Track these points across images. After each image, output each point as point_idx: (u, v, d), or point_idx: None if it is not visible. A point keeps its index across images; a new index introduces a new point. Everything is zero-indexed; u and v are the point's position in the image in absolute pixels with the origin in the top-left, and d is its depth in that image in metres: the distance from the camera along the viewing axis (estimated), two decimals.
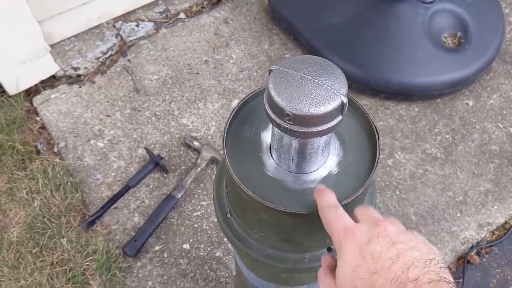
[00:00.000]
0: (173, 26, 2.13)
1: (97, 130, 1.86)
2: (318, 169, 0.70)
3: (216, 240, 1.63)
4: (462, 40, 1.93)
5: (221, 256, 1.61)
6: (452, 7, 1.92)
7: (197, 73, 1.99)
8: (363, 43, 1.88)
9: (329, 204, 0.61)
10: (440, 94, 1.90)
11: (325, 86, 0.59)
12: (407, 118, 1.88)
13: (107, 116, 1.89)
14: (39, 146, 1.81)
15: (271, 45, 2.07)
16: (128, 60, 2.03)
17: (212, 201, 1.67)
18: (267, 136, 0.73)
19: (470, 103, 1.93)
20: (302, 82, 0.59)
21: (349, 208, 0.70)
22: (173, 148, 1.81)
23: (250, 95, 0.75)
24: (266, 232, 0.74)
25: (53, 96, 1.93)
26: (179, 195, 1.69)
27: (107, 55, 2.03)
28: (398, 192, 1.73)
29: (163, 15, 2.16)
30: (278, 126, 0.61)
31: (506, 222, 1.70)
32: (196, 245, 1.63)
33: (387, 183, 1.74)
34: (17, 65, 1.83)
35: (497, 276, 1.61)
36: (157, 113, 1.89)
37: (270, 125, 0.74)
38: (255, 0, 2.21)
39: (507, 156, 1.81)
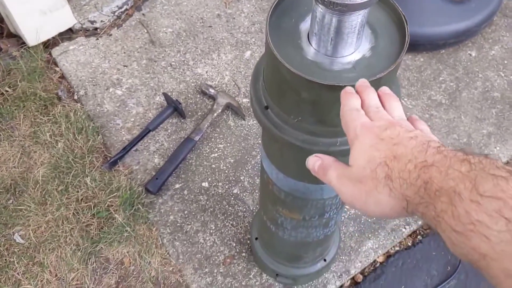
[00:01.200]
0: None
1: (115, 79, 1.92)
2: (353, 52, 0.77)
3: (233, 178, 1.71)
4: None
5: (238, 193, 1.69)
6: None
7: (210, 26, 2.05)
8: None
9: (351, 107, 0.63)
10: (445, 44, 1.98)
11: None
12: (413, 68, 1.96)
13: (125, 66, 1.95)
14: (60, 93, 1.88)
15: None
16: (143, 14, 2.09)
17: (227, 144, 1.75)
18: (305, 26, 0.80)
19: (473, 54, 2.01)
20: None
21: (381, 86, 0.78)
22: (189, 95, 1.88)
23: None
24: (304, 115, 0.81)
25: (71, 47, 2.00)
26: (197, 138, 1.76)
27: (122, 10, 2.09)
28: None
29: None
30: (323, 1, 0.68)
31: (508, 162, 1.79)
32: (215, 183, 1.71)
33: None
34: (37, 16, 1.89)
35: None
36: (173, 63, 1.96)
37: (307, 17, 0.81)
38: None
39: (509, 102, 1.89)
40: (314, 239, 1.28)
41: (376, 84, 0.74)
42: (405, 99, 1.88)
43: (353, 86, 0.71)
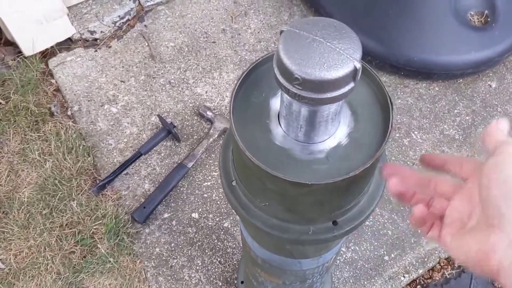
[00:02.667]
0: None
1: (111, 95, 1.85)
2: (327, 139, 0.67)
3: (225, 211, 1.63)
4: (489, 19, 1.86)
5: (229, 227, 1.60)
6: None
7: (214, 42, 1.95)
8: (385, 18, 1.83)
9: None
10: (463, 74, 1.84)
11: (338, 50, 0.56)
12: (426, 98, 1.83)
13: (122, 81, 1.87)
14: (53, 109, 1.81)
15: (291, 16, 2.02)
16: (145, 26, 2.00)
17: None
18: (276, 103, 0.70)
19: (493, 85, 1.87)
20: (314, 45, 0.56)
21: (360, 180, 0.68)
22: (186, 117, 1.80)
23: (260, 59, 0.72)
24: (271, 201, 0.71)
25: (68, 59, 1.92)
26: (190, 164, 1.67)
27: (124, 20, 2.01)
28: None
29: None
30: (287, 91, 0.58)
31: None
32: (205, 214, 1.62)
33: (401, 162, 1.70)
34: (33, 25, 1.82)
35: None
36: (172, 81, 1.87)
37: (280, 92, 0.71)
38: None
39: None
40: None
41: (350, 181, 0.64)
42: (416, 132, 1.76)
43: (321, 185, 0.61)
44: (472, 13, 1.86)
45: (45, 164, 1.68)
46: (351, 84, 0.57)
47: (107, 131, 1.77)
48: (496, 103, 1.83)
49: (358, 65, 0.55)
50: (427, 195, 0.59)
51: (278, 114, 0.69)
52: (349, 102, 0.69)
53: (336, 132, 0.67)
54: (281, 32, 0.58)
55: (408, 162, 1.70)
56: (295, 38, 0.57)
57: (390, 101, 0.67)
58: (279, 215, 0.74)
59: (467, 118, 1.79)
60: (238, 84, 0.69)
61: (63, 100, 1.84)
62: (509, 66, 1.91)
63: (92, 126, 1.78)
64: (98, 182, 1.66)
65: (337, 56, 0.55)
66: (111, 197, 1.64)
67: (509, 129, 0.54)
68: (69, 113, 1.81)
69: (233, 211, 1.59)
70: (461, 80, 1.87)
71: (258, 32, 1.98)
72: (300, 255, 0.90)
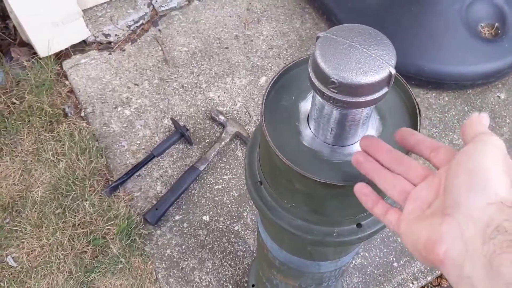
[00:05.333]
0: None
1: (125, 97, 1.87)
2: (355, 142, 0.69)
3: (236, 214, 1.64)
4: (499, 31, 1.88)
5: (239, 230, 1.61)
6: None
7: (227, 48, 1.98)
8: (397, 27, 1.85)
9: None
10: (472, 85, 1.86)
11: (374, 55, 0.57)
12: (436, 107, 1.85)
13: (135, 84, 1.89)
14: (66, 110, 1.83)
15: (303, 24, 2.04)
16: (159, 30, 2.02)
17: (233, 176, 1.68)
18: (305, 106, 0.72)
19: (502, 96, 1.89)
20: (351, 50, 0.58)
21: None
22: (198, 120, 1.82)
23: (291, 64, 0.73)
24: (298, 202, 0.73)
25: (83, 61, 1.95)
26: (202, 167, 1.69)
27: (138, 24, 2.03)
28: None
29: None
30: (322, 94, 0.60)
31: None
32: (216, 217, 1.64)
33: None
34: (49, 27, 1.84)
35: None
36: (185, 85, 1.89)
37: (309, 95, 0.73)
38: None
39: None
40: None
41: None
42: None
43: (350, 186, 0.63)
44: (482, 25, 1.89)
45: (59, 164, 1.70)
46: (385, 89, 0.59)
47: (120, 133, 1.79)
48: (505, 114, 1.85)
49: (393, 71, 0.57)
50: (394, 173, 0.56)
51: (308, 117, 0.71)
52: (377, 107, 0.71)
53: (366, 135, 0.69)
54: (318, 37, 0.60)
55: None
56: (332, 43, 0.59)
57: (418, 108, 0.69)
58: (304, 216, 0.75)
59: None
60: (269, 88, 0.71)
61: (77, 102, 1.86)
62: None
63: (105, 127, 1.80)
64: (110, 183, 1.68)
65: (373, 61, 0.57)
66: (123, 198, 1.65)
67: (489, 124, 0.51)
68: (82, 114, 1.83)
69: (245, 215, 1.61)
70: (470, 91, 1.89)
71: (270, 39, 2.00)
72: (320, 257, 0.91)
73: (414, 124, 0.69)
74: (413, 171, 0.54)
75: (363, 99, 0.58)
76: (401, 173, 0.55)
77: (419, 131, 0.68)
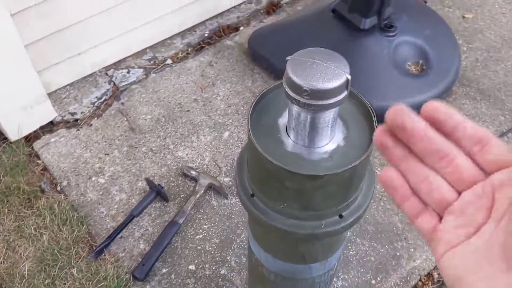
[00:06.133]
0: (161, 71, 2.30)
1: (97, 167, 1.97)
2: (328, 143, 0.85)
3: (220, 259, 1.74)
4: (424, 67, 2.16)
5: (225, 273, 1.70)
6: (412, 39, 2.17)
7: (188, 111, 2.14)
8: None
9: None
10: None
11: (332, 67, 0.75)
12: None
13: (106, 154, 2.01)
14: (43, 186, 1.90)
15: (254, 82, 2.26)
16: (122, 103, 2.17)
17: (212, 224, 1.79)
18: (283, 121, 0.88)
19: None
20: (314, 66, 0.76)
21: (358, 172, 0.85)
22: (171, 178, 1.94)
23: (265, 90, 0.91)
24: (289, 201, 0.87)
25: (52, 140, 2.05)
26: (181, 221, 1.79)
27: (102, 100, 2.18)
28: (382, 204, 1.88)
29: (151, 62, 2.33)
30: (298, 102, 0.76)
31: None
32: (201, 265, 1.72)
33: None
34: (18, 112, 1.95)
35: None
36: (153, 148, 2.03)
37: (284, 112, 0.89)
38: (235, 44, 2.41)
39: None
40: None
41: (351, 171, 0.81)
42: (379, 169, 1.97)
43: (332, 174, 0.78)
44: (409, 63, 2.17)
45: (42, 237, 1.75)
46: (345, 92, 0.76)
47: (98, 201, 1.88)
48: None
49: (349, 77, 0.75)
50: (429, 168, 0.44)
51: (286, 128, 0.87)
52: (340, 115, 0.88)
53: (334, 138, 0.86)
54: (287, 60, 0.78)
55: (377, 195, 1.90)
56: (299, 62, 0.76)
57: (372, 110, 0.87)
58: (295, 214, 0.89)
59: None
60: (251, 110, 0.87)
61: (52, 178, 1.95)
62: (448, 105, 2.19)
63: (82, 197, 1.88)
64: (95, 248, 1.74)
65: (333, 71, 0.75)
66: (109, 260, 1.72)
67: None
68: (58, 188, 1.91)
69: (229, 259, 1.71)
70: None
71: (227, 99, 2.19)
72: (311, 259, 1.04)
73: (371, 123, 0.87)
74: (457, 171, 0.42)
75: (330, 101, 0.75)
76: (440, 171, 0.43)
77: (376, 126, 0.85)
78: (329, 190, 0.83)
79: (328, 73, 0.75)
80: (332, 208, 0.89)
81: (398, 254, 1.76)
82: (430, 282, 1.73)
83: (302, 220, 0.90)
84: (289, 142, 0.86)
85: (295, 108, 0.79)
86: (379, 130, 0.46)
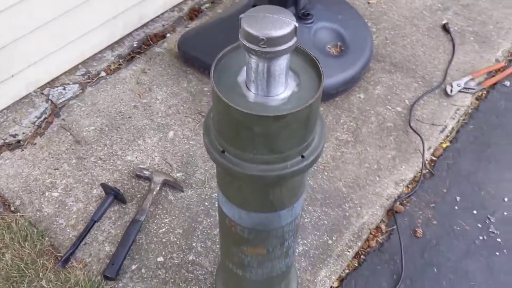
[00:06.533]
0: (97, 84, 2.34)
1: (49, 183, 1.98)
2: (284, 90, 0.98)
3: (186, 247, 1.81)
4: (342, 48, 2.37)
5: (194, 258, 1.78)
6: (328, 24, 2.38)
7: (130, 117, 2.21)
8: None
9: None
10: (337, 93, 2.30)
11: (281, 18, 0.89)
12: None
13: (55, 169, 2.02)
14: None
15: (189, 82, 2.36)
16: (63, 119, 2.19)
17: (172, 217, 1.86)
18: (241, 78, 1.00)
19: (362, 96, 2.35)
20: (265, 18, 0.89)
21: (313, 112, 0.98)
22: (125, 182, 1.99)
23: (221, 55, 1.02)
24: (258, 146, 0.99)
25: None
26: (142, 218, 1.85)
27: (42, 119, 2.19)
28: (326, 173, 2.05)
29: (85, 76, 2.37)
30: (255, 52, 0.89)
31: (415, 176, 2.08)
32: (169, 255, 1.79)
33: (316, 168, 2.05)
34: None
35: (420, 216, 1.96)
36: (102, 156, 2.07)
37: (242, 71, 1.01)
38: (164, 50, 2.51)
39: (401, 128, 2.22)
40: (278, 272, 1.42)
41: (308, 110, 0.95)
42: None
43: (293, 113, 0.91)
44: (329, 46, 2.37)
45: (4, 257, 1.74)
46: (295, 38, 0.90)
47: (55, 213, 1.89)
48: (368, 108, 2.30)
49: (296, 24, 0.89)
50: None
51: (246, 84, 0.99)
52: (291, 67, 1.01)
53: (289, 86, 0.99)
54: (241, 18, 0.90)
55: (321, 166, 2.06)
56: (252, 17, 0.89)
57: (318, 61, 1.01)
58: (264, 159, 1.01)
59: (351, 124, 2.23)
60: (213, 71, 0.99)
61: (3, 199, 1.93)
62: (368, 80, 2.42)
63: (39, 213, 1.89)
64: (60, 258, 1.75)
65: (282, 22, 0.88)
66: (77, 267, 1.74)
67: None
68: (12, 208, 1.90)
69: (195, 245, 1.78)
70: (337, 98, 2.32)
71: (166, 101, 2.28)
72: (279, 204, 1.16)
73: (317, 71, 1.01)
74: None
75: (284, 47, 0.89)
76: None
77: (323, 74, 0.99)
78: (291, 130, 0.96)
79: (278, 22, 0.88)
80: (295, 149, 1.01)
81: (347, 214, 1.93)
82: (379, 233, 1.91)
83: (271, 164, 1.01)
84: (251, 94, 0.98)
85: (253, 59, 0.92)
86: None
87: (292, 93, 0.99)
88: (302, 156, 1.04)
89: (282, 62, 0.93)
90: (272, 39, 0.87)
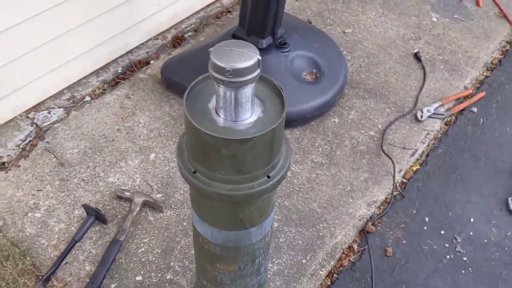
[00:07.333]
0: (81, 108, 2.42)
1: (32, 204, 2.03)
2: (250, 116, 1.07)
3: (164, 266, 1.87)
4: (318, 75, 2.48)
5: (172, 277, 1.84)
6: (304, 52, 2.49)
7: (113, 140, 2.28)
8: None
9: None
10: (312, 117, 2.40)
11: (246, 52, 0.98)
12: (292, 140, 2.34)
13: (39, 190, 2.08)
14: None
15: (171, 107, 2.45)
16: (47, 142, 2.26)
17: (151, 238, 1.93)
18: (212, 104, 1.09)
19: (336, 120, 2.45)
20: (232, 52, 0.98)
21: (277, 135, 1.07)
22: (106, 203, 2.05)
23: (193, 83, 1.11)
24: (226, 168, 1.07)
25: None
26: (122, 238, 1.91)
27: (26, 142, 2.25)
28: (301, 194, 2.13)
29: (70, 101, 2.45)
30: (223, 81, 0.98)
31: (386, 198, 2.17)
32: (148, 274, 1.85)
33: (291, 189, 2.13)
34: None
35: (391, 236, 2.04)
36: (85, 178, 2.13)
37: (213, 98, 1.10)
38: (148, 77, 2.60)
39: (373, 151, 2.32)
40: None
41: (272, 133, 1.04)
42: (293, 166, 2.23)
43: (258, 136, 0.99)
44: (305, 73, 2.48)
45: None
46: (259, 70, 0.99)
47: (37, 234, 1.94)
48: (343, 131, 2.40)
49: (260, 58, 0.98)
50: None
51: (216, 110, 1.08)
52: (256, 95, 1.10)
53: (254, 112, 1.08)
54: (210, 51, 1.00)
55: (296, 188, 2.14)
56: (219, 51, 0.99)
57: (280, 88, 1.11)
58: (232, 179, 1.09)
59: (326, 147, 2.32)
60: (185, 98, 1.07)
61: None
62: (342, 105, 2.52)
63: (21, 233, 1.94)
64: (41, 277, 1.80)
65: (246, 55, 0.98)
66: (58, 286, 1.79)
67: None
68: None
69: (173, 264, 1.84)
70: (313, 122, 2.42)
71: (149, 124, 2.36)
72: (249, 222, 1.24)
73: (281, 98, 1.10)
74: None
75: (248, 77, 0.98)
76: None
77: (286, 100, 1.09)
78: (257, 152, 1.05)
79: (243, 56, 0.97)
80: (261, 170, 1.10)
81: (321, 234, 2.01)
82: (351, 253, 1.99)
83: (238, 183, 1.10)
84: (220, 119, 1.07)
85: (221, 88, 1.01)
86: None
87: (258, 118, 1.08)
88: (268, 177, 1.12)
89: (247, 91, 1.02)
90: (238, 71, 0.96)
